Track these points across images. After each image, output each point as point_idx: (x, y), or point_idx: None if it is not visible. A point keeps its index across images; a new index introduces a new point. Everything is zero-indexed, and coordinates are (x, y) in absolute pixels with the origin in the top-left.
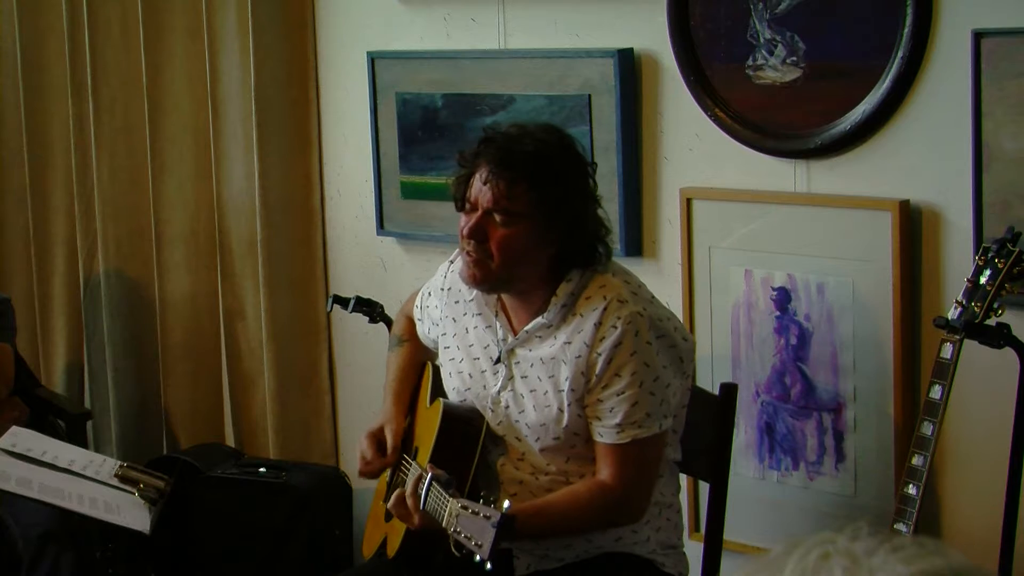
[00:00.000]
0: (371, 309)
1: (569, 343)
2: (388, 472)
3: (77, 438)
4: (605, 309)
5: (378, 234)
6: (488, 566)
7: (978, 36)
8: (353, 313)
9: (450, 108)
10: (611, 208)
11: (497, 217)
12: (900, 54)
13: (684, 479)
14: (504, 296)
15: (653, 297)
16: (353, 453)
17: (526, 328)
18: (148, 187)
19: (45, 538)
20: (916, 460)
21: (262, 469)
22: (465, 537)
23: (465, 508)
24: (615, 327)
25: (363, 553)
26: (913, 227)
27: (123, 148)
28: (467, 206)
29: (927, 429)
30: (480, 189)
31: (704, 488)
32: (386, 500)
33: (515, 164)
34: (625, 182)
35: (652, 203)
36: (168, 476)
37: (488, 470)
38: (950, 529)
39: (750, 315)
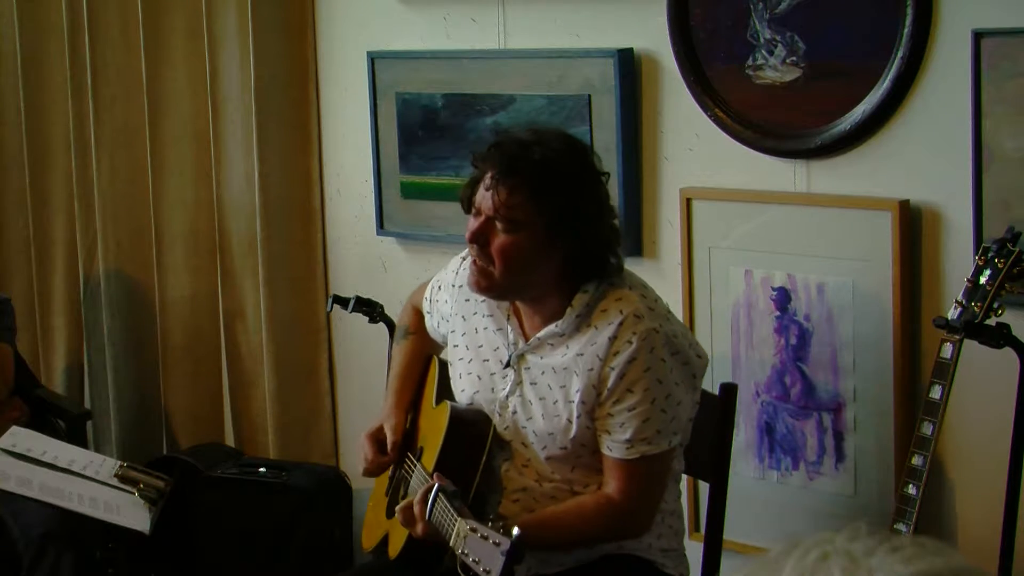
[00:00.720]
0: (371, 309)
1: (581, 355)
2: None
3: (77, 438)
4: (621, 324)
5: (378, 234)
6: None
7: (978, 36)
8: (353, 313)
9: (450, 108)
10: None
11: (498, 224)
12: (900, 54)
13: (684, 480)
14: (517, 300)
15: (669, 312)
16: (353, 453)
17: (538, 335)
18: (148, 187)
19: (45, 538)
20: (916, 460)
21: (262, 469)
22: (473, 561)
23: (474, 531)
24: (630, 342)
25: (363, 544)
26: (913, 227)
27: (123, 148)
28: (473, 211)
29: (927, 429)
30: (484, 195)
31: (704, 488)
32: (387, 493)
33: (519, 172)
34: (625, 182)
35: (652, 203)
36: (168, 476)
37: (492, 474)
38: (950, 529)
39: (750, 315)
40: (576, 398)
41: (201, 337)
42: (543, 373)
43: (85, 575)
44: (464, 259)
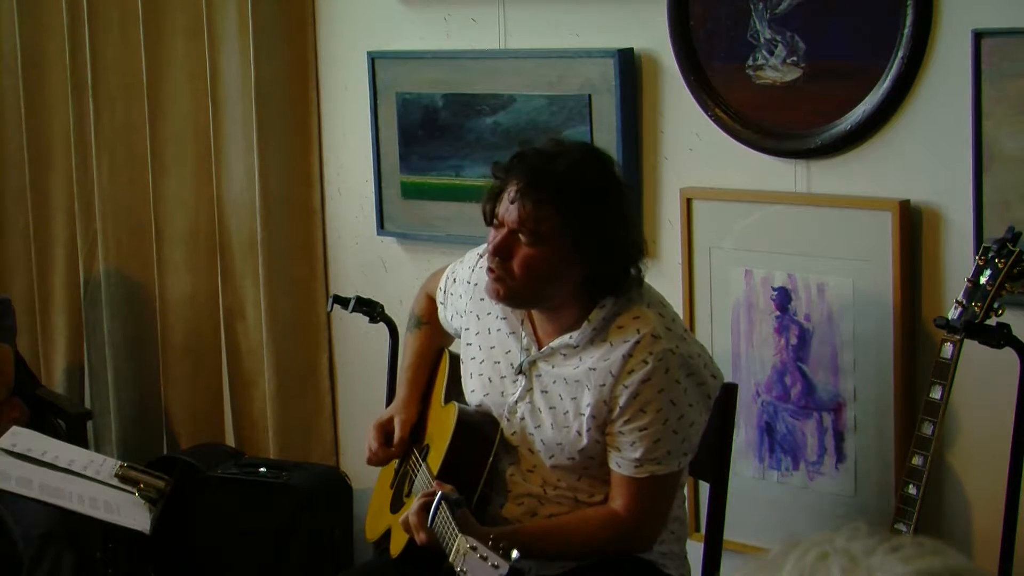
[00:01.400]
0: (371, 309)
1: (594, 369)
2: (397, 460)
3: (77, 438)
4: (637, 343)
5: (378, 234)
6: None
7: (978, 36)
8: (353, 313)
9: (450, 108)
10: None
11: (522, 237)
12: (900, 54)
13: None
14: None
15: (686, 330)
16: (354, 452)
17: (551, 344)
18: (148, 187)
19: (45, 538)
20: (916, 460)
21: (262, 469)
22: None
23: (474, 549)
24: (645, 362)
25: (366, 535)
26: (913, 227)
27: (123, 148)
28: (495, 222)
29: (927, 429)
30: (508, 207)
31: (704, 488)
32: (393, 485)
33: (544, 185)
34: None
35: (652, 203)
36: (168, 476)
37: (497, 477)
38: (950, 529)
39: (750, 315)
40: (587, 412)
41: (201, 337)
42: (554, 382)
43: (85, 575)
44: (481, 256)
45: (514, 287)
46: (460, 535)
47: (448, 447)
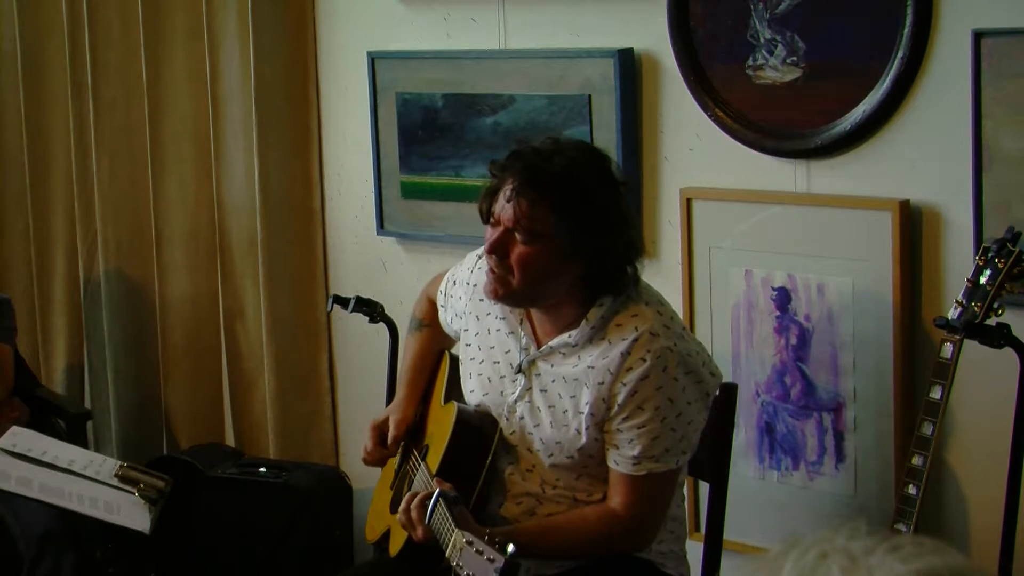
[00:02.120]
0: (371, 309)
1: (592, 367)
2: (396, 459)
3: (77, 438)
4: (636, 340)
5: (378, 234)
6: None
7: (978, 36)
8: (353, 313)
9: (450, 108)
10: None
11: (518, 235)
12: (900, 54)
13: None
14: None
15: (685, 329)
16: (354, 452)
17: (550, 343)
18: (148, 187)
19: (45, 538)
20: (916, 460)
21: (262, 469)
22: (467, 574)
23: (470, 544)
24: (644, 360)
25: (366, 536)
26: (913, 227)
27: (123, 148)
28: (492, 220)
29: (927, 429)
30: (503, 206)
31: (704, 488)
32: (392, 486)
33: (540, 183)
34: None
35: (652, 203)
36: (168, 476)
37: (496, 477)
38: (950, 529)
39: (750, 315)
40: (585, 410)
41: (201, 337)
42: (553, 381)
43: (85, 575)
44: (480, 257)
45: (511, 286)
46: (456, 530)
47: (447, 446)
